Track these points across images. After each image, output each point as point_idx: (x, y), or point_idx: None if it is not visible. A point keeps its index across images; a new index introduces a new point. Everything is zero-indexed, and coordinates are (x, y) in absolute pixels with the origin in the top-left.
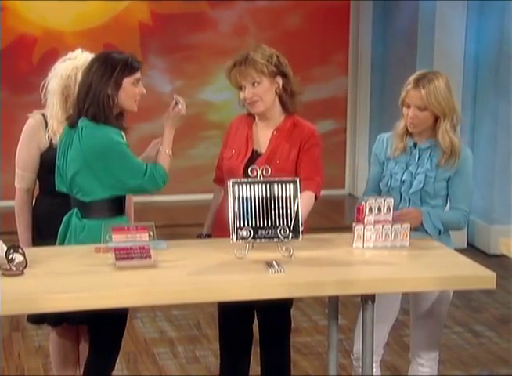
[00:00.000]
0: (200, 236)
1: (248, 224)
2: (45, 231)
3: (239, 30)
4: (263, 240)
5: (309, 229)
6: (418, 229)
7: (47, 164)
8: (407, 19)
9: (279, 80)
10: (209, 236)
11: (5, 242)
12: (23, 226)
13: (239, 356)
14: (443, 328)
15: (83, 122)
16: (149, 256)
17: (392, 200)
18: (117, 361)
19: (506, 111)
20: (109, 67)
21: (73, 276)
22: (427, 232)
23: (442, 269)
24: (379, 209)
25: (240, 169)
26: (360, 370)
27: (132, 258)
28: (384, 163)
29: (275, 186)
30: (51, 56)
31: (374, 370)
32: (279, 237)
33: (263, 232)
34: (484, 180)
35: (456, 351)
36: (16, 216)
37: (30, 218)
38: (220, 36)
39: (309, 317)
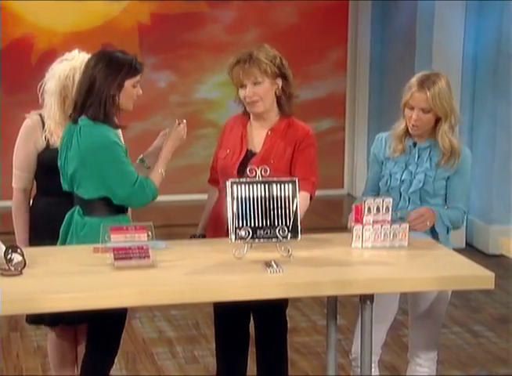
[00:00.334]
0: (193, 237)
1: (247, 224)
2: (42, 231)
3: (238, 30)
4: (262, 240)
5: (307, 229)
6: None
7: (44, 164)
8: (406, 19)
9: (279, 82)
10: (203, 236)
11: (3, 242)
12: (20, 226)
13: (235, 357)
14: (442, 328)
15: (82, 121)
16: (148, 256)
17: (391, 200)
18: (116, 361)
19: (505, 111)
20: (115, 69)
21: (72, 276)
22: (432, 232)
23: (441, 269)
24: (377, 209)
25: (235, 169)
26: (358, 369)
27: (131, 258)
28: (382, 162)
29: (274, 186)
30: (49, 57)
31: (373, 369)
32: (277, 237)
33: (262, 232)
34: (482, 180)
35: (454, 351)
36: (13, 216)
37: (28, 218)
38: (219, 36)
39: (308, 317)
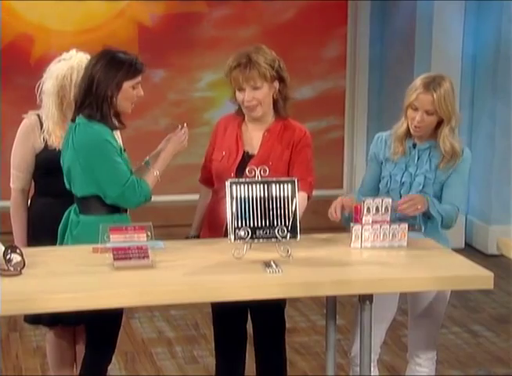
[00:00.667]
0: (187, 238)
1: (246, 224)
2: (40, 231)
3: (237, 30)
4: (261, 240)
5: (306, 229)
6: (417, 222)
7: (42, 165)
8: (405, 19)
9: (277, 84)
10: (197, 237)
11: (2, 242)
12: (18, 226)
13: (234, 356)
14: (441, 328)
15: (79, 119)
16: (147, 256)
17: (390, 200)
18: (115, 361)
19: (504, 111)
20: (114, 68)
21: (71, 277)
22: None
23: (440, 269)
24: (377, 209)
25: (233, 171)
26: (357, 368)
27: (130, 258)
28: (382, 163)
29: (273, 186)
30: (48, 57)
31: (372, 368)
32: (277, 237)
33: (261, 232)
34: (482, 180)
35: (453, 351)
36: (11, 216)
37: (26, 218)
38: (218, 36)
39: (307, 317)
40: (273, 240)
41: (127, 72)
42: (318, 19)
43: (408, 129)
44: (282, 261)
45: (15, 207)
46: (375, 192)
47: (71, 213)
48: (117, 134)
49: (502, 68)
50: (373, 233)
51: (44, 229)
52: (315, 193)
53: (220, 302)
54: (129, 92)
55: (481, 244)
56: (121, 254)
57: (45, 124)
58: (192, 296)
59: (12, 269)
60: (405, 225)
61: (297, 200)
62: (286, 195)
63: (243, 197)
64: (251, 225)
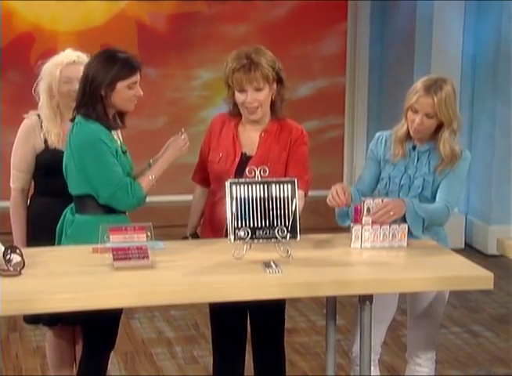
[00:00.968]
0: (185, 238)
1: (246, 224)
2: (39, 231)
3: (237, 30)
4: (261, 240)
5: (306, 230)
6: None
7: (42, 165)
8: (405, 19)
9: (275, 86)
10: (196, 235)
11: (2, 242)
12: (17, 226)
13: (232, 356)
14: (440, 328)
15: (77, 118)
16: (147, 257)
17: (390, 200)
18: (115, 361)
19: (504, 112)
20: (106, 68)
21: (71, 277)
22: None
23: (440, 269)
24: None
25: (232, 173)
26: (358, 368)
27: (130, 258)
28: (380, 163)
29: (273, 186)
30: (49, 57)
31: (372, 368)
32: (276, 238)
33: (261, 232)
34: (482, 180)
35: (453, 351)
36: (10, 216)
37: (25, 218)
38: (218, 36)
39: (307, 317)
40: (273, 240)
41: (119, 72)
42: (318, 18)
43: (408, 131)
44: (282, 261)
45: (14, 207)
46: (371, 190)
47: (67, 212)
48: (118, 134)
49: (503, 68)
50: (372, 234)
51: (43, 229)
52: (314, 192)
53: (218, 302)
54: (125, 93)
55: (481, 244)
56: (121, 255)
57: (44, 123)
58: (192, 296)
59: (11, 269)
60: (405, 226)
61: (297, 200)
62: (286, 195)
63: (242, 197)
64: (251, 225)
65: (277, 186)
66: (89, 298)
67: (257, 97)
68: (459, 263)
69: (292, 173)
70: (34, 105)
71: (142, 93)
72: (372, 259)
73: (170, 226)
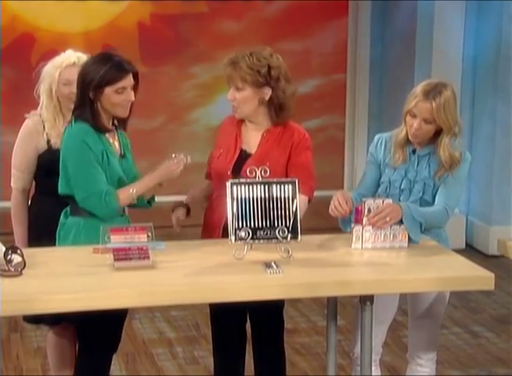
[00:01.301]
0: (176, 207)
1: (247, 225)
2: (41, 231)
3: (238, 30)
4: (262, 240)
5: (307, 230)
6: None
7: (44, 165)
8: (405, 19)
9: (268, 91)
10: (187, 208)
11: (3, 243)
12: (19, 227)
13: (233, 356)
14: (441, 329)
15: (73, 119)
16: (148, 257)
17: (391, 202)
18: (116, 362)
19: (505, 112)
20: (95, 69)
21: (72, 277)
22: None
23: (441, 269)
24: None
25: (229, 169)
26: (359, 369)
27: (131, 258)
28: (380, 166)
29: (274, 186)
30: (50, 57)
31: (373, 368)
32: (277, 238)
33: (262, 233)
34: (482, 181)
35: (454, 351)
36: (12, 216)
37: (27, 219)
38: (219, 36)
39: (308, 318)
40: (274, 240)
41: (106, 75)
42: (318, 18)
43: (407, 135)
44: (282, 261)
45: (16, 208)
46: (372, 194)
47: (62, 215)
48: (114, 138)
49: (503, 68)
50: (373, 234)
51: (44, 229)
52: (315, 193)
53: (218, 303)
54: (113, 98)
55: (482, 245)
56: (122, 255)
57: (46, 124)
58: (193, 297)
59: (12, 269)
60: (405, 226)
61: (297, 200)
62: (286, 196)
63: (243, 197)
64: (252, 225)
65: (278, 186)
66: (90, 299)
67: (236, 96)
68: (459, 264)
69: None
70: (34, 106)
71: (133, 98)
72: (373, 260)
73: (171, 227)
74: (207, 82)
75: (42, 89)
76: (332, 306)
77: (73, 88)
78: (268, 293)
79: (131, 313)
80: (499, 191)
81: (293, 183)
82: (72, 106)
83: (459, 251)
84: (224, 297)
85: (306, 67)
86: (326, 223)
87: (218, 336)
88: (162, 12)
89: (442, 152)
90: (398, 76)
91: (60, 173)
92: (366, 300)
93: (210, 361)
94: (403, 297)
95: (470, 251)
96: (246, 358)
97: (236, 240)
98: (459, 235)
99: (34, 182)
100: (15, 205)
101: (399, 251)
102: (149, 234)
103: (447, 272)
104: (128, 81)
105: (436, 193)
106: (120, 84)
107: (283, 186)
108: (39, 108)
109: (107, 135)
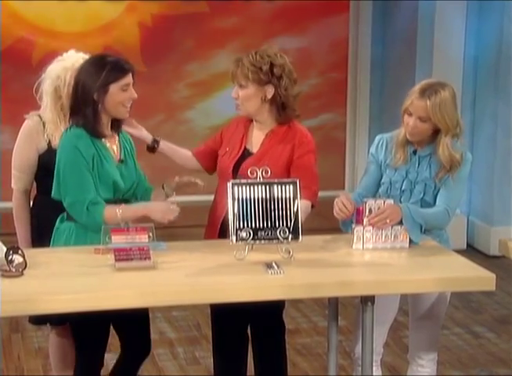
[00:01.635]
0: (152, 145)
1: (248, 225)
2: (42, 232)
3: (239, 31)
4: (263, 241)
5: (308, 231)
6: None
7: (45, 166)
8: (406, 19)
9: (271, 89)
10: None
11: (4, 243)
12: (22, 227)
13: (234, 357)
14: (442, 329)
15: (69, 124)
16: (149, 257)
17: (392, 202)
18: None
19: (506, 112)
20: (96, 71)
21: (73, 278)
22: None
23: (442, 270)
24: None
25: (230, 167)
26: (360, 369)
27: (132, 259)
28: (381, 166)
29: (275, 187)
30: (50, 58)
31: (374, 368)
32: (278, 239)
33: (263, 233)
34: (484, 181)
35: (455, 352)
36: (14, 217)
37: (29, 219)
38: (220, 36)
39: (309, 318)
40: (275, 241)
41: (109, 73)
42: (319, 18)
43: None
44: (283, 262)
45: (17, 209)
46: (373, 195)
47: (59, 219)
48: (114, 142)
49: (504, 69)
50: (374, 235)
51: (46, 230)
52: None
53: (219, 307)
54: (119, 95)
55: (483, 245)
56: (123, 256)
57: (47, 125)
58: (194, 297)
59: (13, 270)
60: (405, 228)
61: (298, 201)
62: (287, 196)
63: (244, 198)
64: (253, 226)
65: (279, 186)
66: (91, 299)
67: (239, 93)
68: (461, 264)
69: (300, 183)
70: (35, 106)
71: (136, 96)
72: (374, 260)
73: (172, 227)
74: (206, 81)
75: (47, 90)
76: (333, 307)
77: None
78: (269, 293)
79: None
80: (500, 191)
81: (295, 184)
82: None
83: (460, 252)
84: (225, 297)
85: (306, 67)
86: (326, 224)
87: (218, 337)
88: (163, 12)
89: (442, 153)
90: (399, 76)
91: (54, 178)
92: (367, 300)
93: (211, 361)
94: (404, 297)
95: (471, 251)
96: (248, 358)
97: (237, 240)
98: (460, 235)
99: (34, 183)
100: (16, 206)
101: (400, 251)
102: (150, 235)
103: (448, 272)
104: (130, 78)
105: (437, 194)
106: (124, 81)
107: (284, 187)
108: (42, 109)
109: (104, 139)
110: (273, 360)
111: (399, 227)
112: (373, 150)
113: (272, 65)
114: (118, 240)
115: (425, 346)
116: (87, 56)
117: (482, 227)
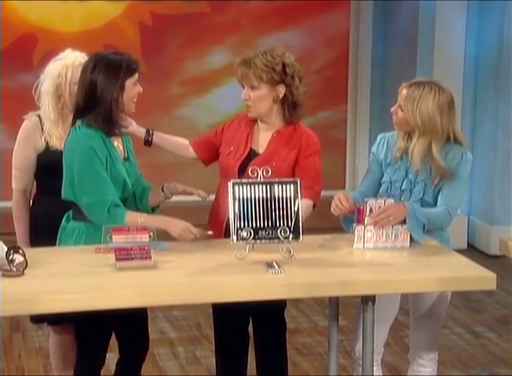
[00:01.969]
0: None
1: (248, 225)
2: (43, 231)
3: (240, 31)
4: (263, 240)
5: (309, 230)
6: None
7: (44, 165)
8: (407, 19)
9: (282, 88)
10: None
11: (5, 243)
12: (21, 227)
13: (235, 357)
14: (443, 329)
15: (78, 122)
16: (150, 257)
17: (392, 202)
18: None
19: (507, 112)
20: (114, 70)
21: (74, 277)
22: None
23: (443, 270)
24: None
25: (236, 167)
26: (361, 369)
27: (132, 258)
28: (381, 165)
29: (276, 186)
30: (51, 57)
31: (375, 368)
32: (279, 238)
33: (263, 233)
34: (484, 181)
35: (456, 352)
36: (13, 217)
37: (28, 218)
38: (220, 36)
39: (309, 318)
40: (276, 240)
41: (127, 70)
42: (320, 19)
43: (409, 134)
44: (284, 262)
45: (17, 208)
46: (374, 193)
47: (64, 218)
48: (119, 141)
49: (505, 69)
50: (375, 234)
51: (47, 229)
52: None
53: (221, 304)
54: (132, 90)
55: (484, 245)
56: (123, 255)
57: (45, 125)
58: (195, 297)
59: (14, 269)
60: (407, 226)
61: (299, 200)
62: (288, 196)
63: (245, 197)
64: (254, 226)
65: (280, 186)
66: (91, 299)
67: (251, 95)
68: (461, 264)
69: (303, 183)
70: (35, 106)
71: (141, 90)
72: (374, 260)
73: None
74: (204, 78)
75: (47, 90)
76: (334, 306)
77: None
78: (269, 293)
79: None
80: (500, 191)
81: (295, 183)
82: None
83: (460, 251)
84: (225, 297)
85: (307, 66)
86: (327, 223)
87: (220, 336)
88: (163, 11)
89: (432, 163)
90: (400, 76)
91: (64, 178)
92: (368, 300)
93: (211, 361)
94: (405, 297)
95: (472, 251)
96: (249, 358)
97: (237, 240)
98: (461, 235)
99: (35, 182)
100: (16, 205)
101: (401, 251)
102: (151, 234)
103: (449, 272)
104: (138, 72)
105: (437, 195)
106: (136, 76)
107: (284, 186)
108: (42, 109)
109: (113, 138)
110: (274, 359)
111: (400, 227)
112: (374, 148)
113: (284, 65)
114: (119, 239)
115: (426, 346)
116: (84, 55)
117: (483, 227)
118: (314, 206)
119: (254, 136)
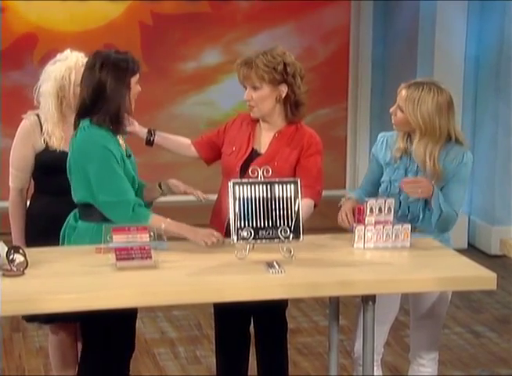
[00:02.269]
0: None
1: (249, 225)
2: (39, 231)
3: (241, 31)
4: (264, 240)
5: (309, 230)
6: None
7: (42, 165)
8: (408, 19)
9: (284, 88)
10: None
11: (4, 242)
12: (16, 225)
13: (236, 356)
14: (443, 329)
15: (85, 122)
16: (150, 257)
17: (393, 201)
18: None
19: (507, 112)
20: (122, 70)
21: (74, 277)
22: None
23: (443, 269)
24: (380, 210)
25: (238, 166)
26: (361, 368)
27: (133, 258)
28: (381, 165)
29: (276, 186)
30: (52, 57)
31: (375, 368)
32: (279, 238)
33: (264, 232)
34: (485, 181)
35: (456, 351)
36: (9, 215)
37: (24, 217)
38: (221, 36)
39: (310, 318)
40: (276, 240)
41: (132, 70)
42: (320, 19)
43: (409, 133)
44: (284, 261)
45: (13, 207)
46: (375, 193)
47: (71, 218)
48: (122, 139)
49: (505, 69)
50: (375, 234)
51: (43, 228)
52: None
53: (222, 304)
54: (135, 88)
55: (484, 245)
56: (124, 255)
57: (45, 125)
58: (195, 297)
59: (15, 269)
60: (408, 226)
61: (299, 200)
62: (288, 195)
63: (245, 197)
64: (254, 225)
65: (280, 186)
66: (92, 298)
67: (253, 95)
68: (462, 263)
69: (304, 182)
70: (36, 105)
71: (140, 88)
72: (375, 259)
73: None
74: (206, 79)
75: (49, 91)
76: (334, 306)
77: None
78: (270, 293)
79: None
80: (501, 191)
81: (295, 183)
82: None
83: (461, 251)
84: (226, 297)
85: (308, 66)
86: (328, 223)
87: (221, 336)
88: (163, 11)
89: (428, 161)
90: (400, 76)
91: (75, 181)
92: (368, 300)
93: (212, 361)
94: (405, 297)
95: (473, 250)
96: (249, 358)
97: (238, 239)
98: (461, 235)
99: (32, 182)
100: (12, 204)
101: (401, 250)
102: (152, 234)
103: (449, 272)
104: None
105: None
106: (138, 74)
107: (285, 186)
108: (42, 109)
109: (119, 136)
110: (275, 359)
111: (400, 227)
112: (374, 148)
113: (285, 64)
114: (119, 239)
115: (426, 346)
116: (83, 55)
117: (483, 226)
118: (315, 206)
119: (255, 136)
